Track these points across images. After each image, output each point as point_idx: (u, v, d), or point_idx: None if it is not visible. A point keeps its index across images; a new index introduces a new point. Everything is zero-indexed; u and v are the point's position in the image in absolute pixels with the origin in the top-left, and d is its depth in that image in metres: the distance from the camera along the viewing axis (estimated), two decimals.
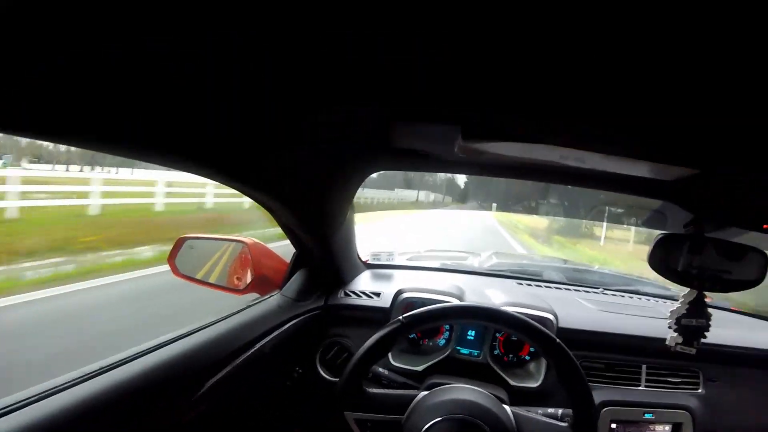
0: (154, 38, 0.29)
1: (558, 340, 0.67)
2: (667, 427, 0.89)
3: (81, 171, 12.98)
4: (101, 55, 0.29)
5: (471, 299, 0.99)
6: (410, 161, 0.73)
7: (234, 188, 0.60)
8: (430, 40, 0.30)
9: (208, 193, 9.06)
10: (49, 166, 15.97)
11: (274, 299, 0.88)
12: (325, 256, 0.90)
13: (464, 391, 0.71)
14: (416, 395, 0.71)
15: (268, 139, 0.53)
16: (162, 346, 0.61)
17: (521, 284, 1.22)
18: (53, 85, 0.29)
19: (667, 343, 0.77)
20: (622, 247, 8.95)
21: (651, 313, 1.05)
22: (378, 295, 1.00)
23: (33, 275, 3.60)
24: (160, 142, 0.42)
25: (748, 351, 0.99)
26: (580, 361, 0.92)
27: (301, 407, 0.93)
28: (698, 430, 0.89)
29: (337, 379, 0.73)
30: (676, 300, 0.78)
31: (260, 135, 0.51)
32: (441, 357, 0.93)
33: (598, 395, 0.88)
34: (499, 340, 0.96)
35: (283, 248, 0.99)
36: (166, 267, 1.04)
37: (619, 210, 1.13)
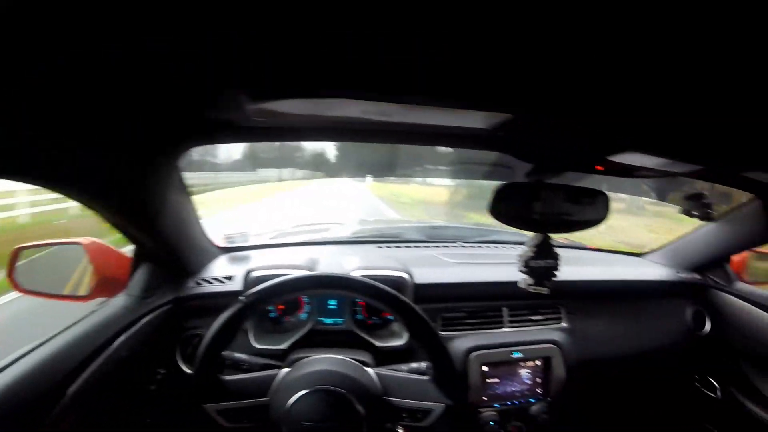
0: None
1: (401, 297, 0.67)
2: (538, 362, 0.97)
3: None
4: None
5: (324, 269, 0.98)
6: (219, 134, 0.68)
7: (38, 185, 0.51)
8: None
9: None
10: None
11: (118, 300, 0.79)
12: (163, 247, 0.82)
13: (324, 362, 0.70)
14: (277, 374, 0.69)
15: (51, 126, 0.45)
16: None
17: (381, 248, 1.24)
18: None
19: (519, 285, 0.81)
20: None
21: (506, 259, 1.11)
22: (231, 278, 0.95)
23: None
24: None
25: (604, 284, 1.10)
26: (441, 313, 0.96)
27: (170, 409, 0.87)
28: (567, 360, 0.98)
29: None
30: None
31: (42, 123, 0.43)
32: (304, 331, 0.92)
33: (464, 342, 0.93)
34: (361, 306, 0.97)
35: None
36: None
37: (476, 166, 1.18)
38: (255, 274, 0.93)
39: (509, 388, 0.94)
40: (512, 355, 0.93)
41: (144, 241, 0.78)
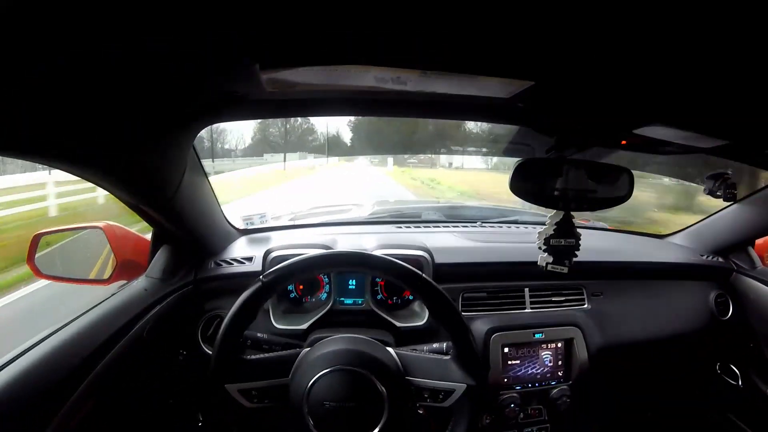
0: None
1: (422, 275, 0.66)
2: (560, 344, 0.95)
3: None
4: None
5: (343, 248, 0.97)
6: (234, 110, 0.67)
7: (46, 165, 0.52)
8: None
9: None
10: None
11: (139, 283, 0.80)
12: (182, 229, 0.82)
13: (344, 341, 0.69)
14: (298, 354, 0.69)
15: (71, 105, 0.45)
16: (17, 358, 0.55)
17: (400, 228, 1.23)
18: None
19: (538, 263, 0.80)
20: None
21: (527, 239, 1.09)
22: (250, 259, 0.96)
23: None
24: None
25: (626, 265, 1.08)
26: (462, 293, 0.95)
27: (194, 389, 0.87)
28: (589, 342, 0.96)
29: None
30: None
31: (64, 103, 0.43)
32: (324, 311, 0.91)
33: (486, 323, 0.92)
34: (380, 285, 0.96)
35: None
36: None
37: (494, 144, 1.16)
38: (274, 254, 0.93)
39: (530, 370, 0.92)
40: (534, 337, 0.92)
41: (162, 223, 0.78)
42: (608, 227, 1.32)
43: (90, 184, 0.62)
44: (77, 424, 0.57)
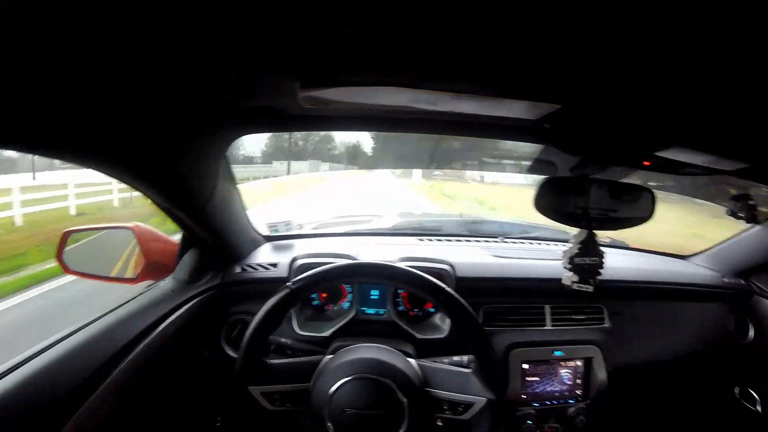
0: None
1: (448, 288, 0.66)
2: (579, 362, 0.94)
3: None
4: None
5: (367, 259, 0.98)
6: (268, 122, 0.69)
7: (90, 167, 0.54)
8: None
9: (114, 189, 8.22)
10: None
11: (166, 283, 0.82)
12: (211, 233, 0.84)
13: (367, 350, 0.70)
14: (321, 360, 0.70)
15: (111, 112, 0.47)
16: (41, 352, 0.57)
17: (422, 240, 1.23)
18: None
19: (563, 282, 0.80)
20: None
21: (549, 256, 1.09)
22: (275, 266, 0.97)
23: None
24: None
25: (647, 285, 1.07)
26: (483, 307, 0.95)
27: (216, 391, 0.88)
28: (608, 362, 0.95)
29: None
30: None
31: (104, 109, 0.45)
32: (346, 320, 0.92)
33: (505, 338, 0.92)
34: (402, 297, 0.97)
35: None
36: None
37: (519, 161, 1.16)
38: (300, 261, 0.95)
39: (548, 388, 0.92)
40: (553, 354, 0.91)
41: (192, 227, 0.80)
42: (629, 246, 1.31)
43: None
44: (98, 422, 0.58)
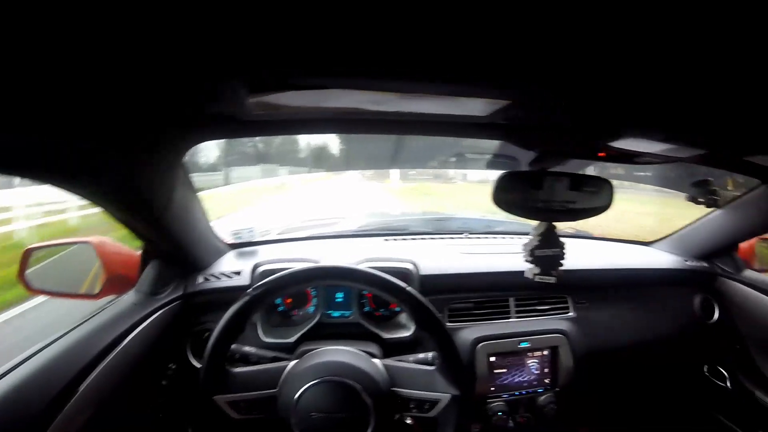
0: None
1: (404, 285, 0.67)
2: (546, 352, 0.96)
3: None
4: None
5: (330, 261, 0.99)
6: (221, 130, 0.69)
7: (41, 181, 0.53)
8: None
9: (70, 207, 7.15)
10: None
11: (128, 297, 0.81)
12: (171, 244, 0.83)
13: (332, 353, 0.70)
14: (286, 366, 0.70)
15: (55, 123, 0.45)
16: (3, 376, 0.55)
17: (387, 240, 1.24)
18: None
19: (525, 275, 0.81)
20: None
21: (513, 249, 1.10)
22: (239, 273, 0.97)
23: None
24: None
25: (611, 272, 1.09)
26: (449, 304, 0.96)
27: (185, 403, 0.88)
28: (575, 350, 0.98)
29: None
30: None
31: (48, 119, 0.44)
32: (312, 324, 0.93)
33: (472, 333, 0.93)
34: (368, 298, 0.98)
35: None
36: None
37: (480, 157, 1.17)
38: (262, 268, 0.94)
39: (517, 379, 0.94)
40: (519, 345, 0.93)
41: (152, 238, 0.79)
42: (593, 235, 1.34)
43: None
44: None
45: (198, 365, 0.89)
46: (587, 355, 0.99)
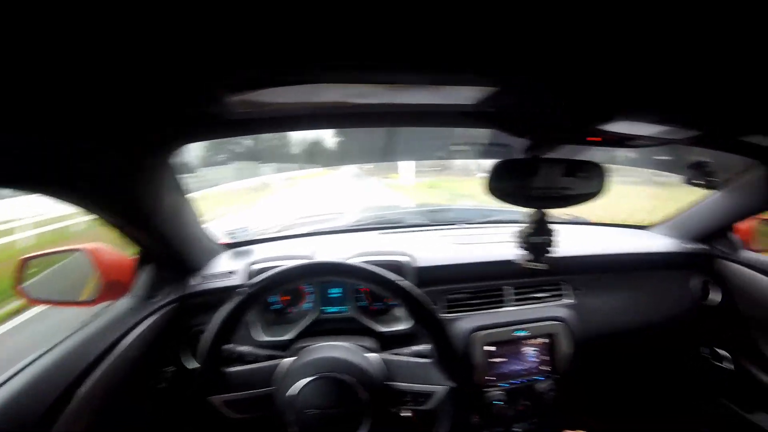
0: None
1: (398, 280, 0.67)
2: (544, 339, 0.96)
3: None
4: None
5: (325, 257, 0.98)
6: (207, 130, 0.68)
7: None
8: None
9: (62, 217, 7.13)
10: None
11: (123, 302, 0.81)
12: (163, 246, 0.83)
13: (327, 349, 0.70)
14: (282, 363, 0.70)
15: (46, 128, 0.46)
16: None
17: (383, 234, 1.24)
18: None
19: (516, 261, 0.81)
20: None
21: (509, 238, 1.10)
22: (233, 273, 0.97)
23: None
24: None
25: (608, 257, 1.09)
26: (444, 294, 0.96)
27: (179, 406, 0.88)
28: (574, 336, 0.98)
29: None
30: None
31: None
32: (309, 321, 0.93)
33: (468, 322, 0.93)
34: (364, 293, 0.97)
35: None
36: None
37: (473, 146, 1.17)
38: (256, 266, 0.94)
39: (515, 367, 0.94)
40: (515, 334, 0.93)
41: (144, 242, 0.79)
42: (590, 221, 1.33)
43: None
44: None
45: (195, 366, 0.89)
46: (586, 341, 0.99)
